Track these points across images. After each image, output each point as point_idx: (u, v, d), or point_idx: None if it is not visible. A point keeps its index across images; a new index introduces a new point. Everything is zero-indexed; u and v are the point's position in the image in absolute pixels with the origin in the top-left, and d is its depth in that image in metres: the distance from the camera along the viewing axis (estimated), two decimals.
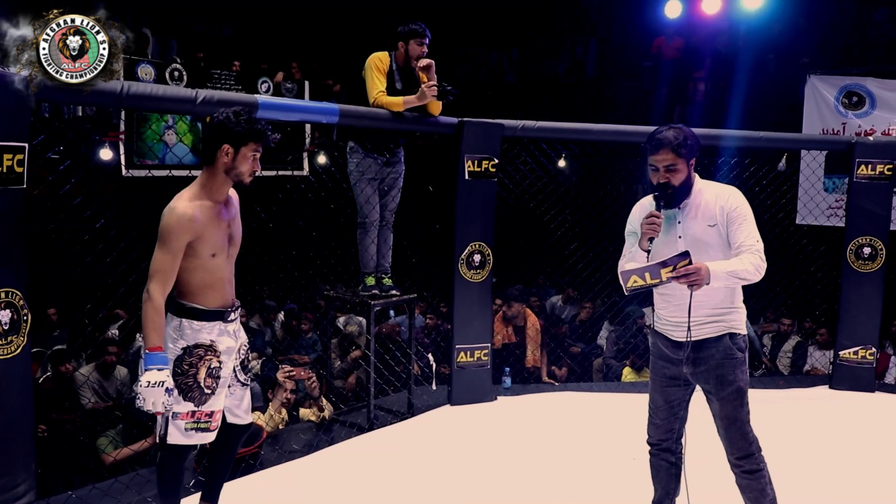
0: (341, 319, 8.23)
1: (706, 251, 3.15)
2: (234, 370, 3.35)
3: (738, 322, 3.24)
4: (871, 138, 7.08)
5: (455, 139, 5.52)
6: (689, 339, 3.18)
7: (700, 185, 3.26)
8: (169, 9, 11.84)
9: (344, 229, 5.39)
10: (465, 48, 14.54)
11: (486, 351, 5.73)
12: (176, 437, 3.21)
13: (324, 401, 5.43)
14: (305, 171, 9.86)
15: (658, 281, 3.07)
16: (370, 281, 5.33)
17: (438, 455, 4.73)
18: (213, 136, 3.16)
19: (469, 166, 5.50)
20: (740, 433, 3.21)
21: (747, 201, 3.21)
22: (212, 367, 3.21)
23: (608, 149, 8.27)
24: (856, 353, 6.27)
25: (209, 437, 3.29)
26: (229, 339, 3.27)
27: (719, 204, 3.18)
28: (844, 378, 6.36)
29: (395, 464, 4.53)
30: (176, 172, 7.25)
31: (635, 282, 3.11)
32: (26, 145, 3.52)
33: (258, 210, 5.31)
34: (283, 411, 5.39)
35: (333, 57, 12.44)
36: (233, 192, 3.33)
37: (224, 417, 3.37)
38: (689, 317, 3.13)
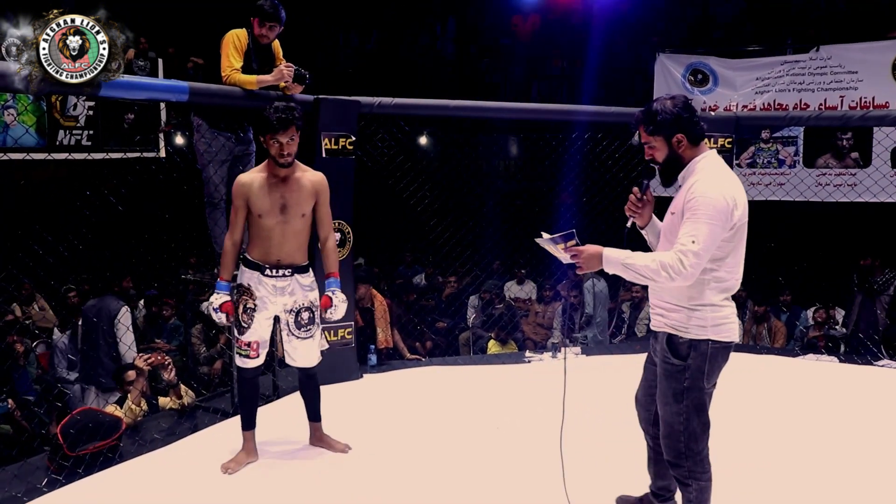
0: (205, 304, 8.01)
1: (667, 241, 2.97)
2: (288, 325, 4.06)
3: (684, 324, 2.95)
4: (713, 114, 7.47)
5: (311, 117, 5.45)
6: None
7: (700, 167, 2.95)
8: None
9: (199, 210, 5.24)
10: (325, 29, 14.33)
11: (350, 329, 5.73)
12: (236, 361, 4.20)
13: (183, 387, 5.28)
14: (162, 153, 9.50)
15: (565, 256, 3.01)
16: None
17: (305, 435, 4.69)
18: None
19: (326, 144, 5.45)
20: (670, 438, 3.04)
21: (715, 196, 2.81)
22: (247, 306, 3.98)
23: (468, 125, 8.37)
24: None
25: (250, 364, 4.09)
26: (265, 290, 3.98)
27: (685, 193, 2.90)
28: None
29: (262, 447, 4.46)
30: (14, 155, 6.81)
31: (556, 254, 3.05)
32: None
33: (106, 194, 5.09)
34: (143, 401, 5.22)
35: (190, 33, 11.99)
36: (314, 174, 4.07)
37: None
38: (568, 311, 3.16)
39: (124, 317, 6.24)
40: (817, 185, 8.89)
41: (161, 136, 9.56)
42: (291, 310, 4.05)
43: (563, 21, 12.70)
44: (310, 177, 4.03)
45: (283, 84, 5.11)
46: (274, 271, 3.97)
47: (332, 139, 5.47)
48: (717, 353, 2.98)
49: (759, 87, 9.75)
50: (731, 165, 6.79)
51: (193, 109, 5.12)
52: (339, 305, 4.11)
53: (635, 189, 3.11)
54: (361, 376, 5.89)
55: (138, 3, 11.22)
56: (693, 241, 2.76)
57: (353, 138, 5.58)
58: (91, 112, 8.82)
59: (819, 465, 4.25)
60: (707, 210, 2.78)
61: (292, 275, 4.02)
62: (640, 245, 3.16)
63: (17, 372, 6.71)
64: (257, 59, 5.12)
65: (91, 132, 8.84)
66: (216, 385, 6.37)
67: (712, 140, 6.56)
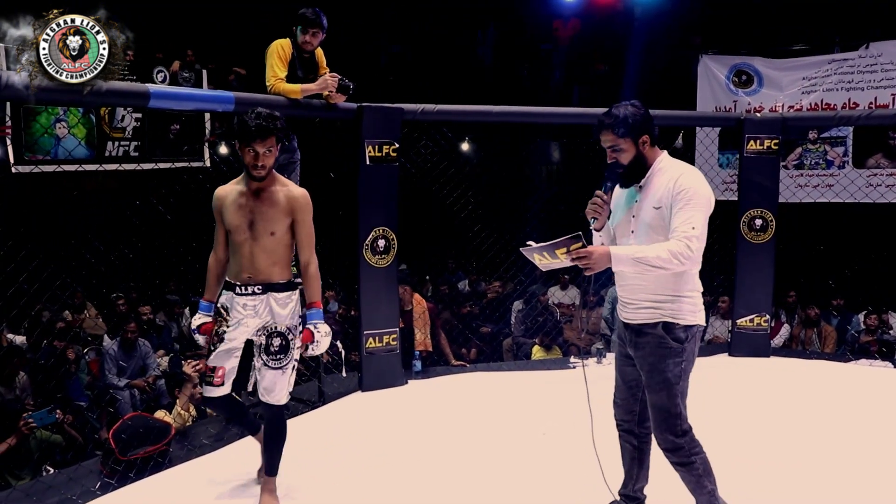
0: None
1: (652, 234, 3.08)
2: (259, 350, 3.65)
3: (679, 312, 3.10)
4: (758, 115, 7.35)
5: (355, 125, 5.50)
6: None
7: (664, 164, 3.14)
8: None
9: None
10: (365, 33, 14.39)
11: (395, 336, 5.75)
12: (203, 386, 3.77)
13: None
14: (207, 163, 9.62)
15: (558, 261, 3.02)
16: None
17: (351, 441, 4.72)
18: None
19: (370, 151, 5.49)
20: (666, 424, 3.12)
21: (702, 188, 3.04)
22: (219, 329, 3.66)
23: (510, 131, 8.36)
24: (751, 320, 6.53)
25: (214, 392, 3.68)
26: (239, 312, 3.63)
27: (669, 185, 3.04)
28: (742, 345, 6.62)
29: (307, 452, 4.50)
30: (67, 167, 7.00)
31: (541, 260, 3.07)
32: None
33: (154, 203, 5.18)
34: (191, 407, 5.29)
35: (233, 44, 12.16)
36: (291, 190, 3.63)
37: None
38: (583, 297, 3.17)
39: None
40: (868, 186, 8.71)
41: (206, 145, 9.69)
42: (262, 334, 3.65)
43: (604, 24, 12.61)
44: (287, 193, 3.62)
45: (326, 93, 5.15)
46: (244, 289, 3.61)
47: (376, 146, 5.50)
48: (700, 335, 3.21)
49: (805, 86, 9.58)
50: (777, 167, 6.70)
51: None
52: (322, 340, 3.68)
53: (599, 192, 3.18)
54: (406, 382, 5.91)
55: (179, 15, 11.43)
56: (693, 228, 2.96)
57: (397, 145, 5.61)
58: (138, 123, 8.97)
59: (868, 471, 4.16)
60: (699, 199, 3.00)
61: (264, 293, 3.61)
62: None
63: (70, 379, 6.86)
64: (302, 67, 5.18)
65: (138, 143, 9.00)
66: None
67: (758, 142, 6.47)
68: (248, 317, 3.63)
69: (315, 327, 3.65)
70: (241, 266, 3.61)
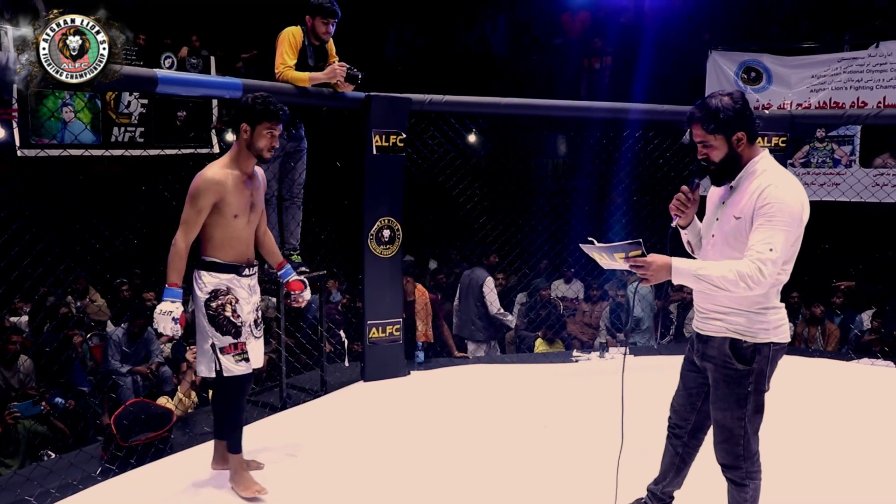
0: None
1: (725, 246, 2.87)
2: (249, 326, 3.79)
3: (746, 327, 2.86)
4: (766, 112, 7.33)
5: (362, 114, 5.48)
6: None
7: (759, 167, 2.84)
8: None
9: None
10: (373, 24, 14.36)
11: (398, 326, 5.74)
12: (230, 369, 3.69)
13: None
14: (215, 149, 9.62)
15: (617, 264, 2.88)
16: None
17: (353, 431, 4.72)
18: (235, 116, 3.66)
19: (377, 141, 5.47)
20: (728, 443, 2.96)
21: (791, 203, 2.73)
22: (234, 306, 3.68)
23: (517, 123, 8.33)
24: None
25: (251, 367, 3.77)
26: (243, 291, 3.73)
27: (754, 195, 2.76)
28: None
29: (309, 441, 4.50)
30: (73, 151, 6.99)
31: (601, 259, 2.93)
32: None
33: (161, 189, 5.17)
34: (193, 394, 5.30)
35: (241, 31, 12.15)
36: (259, 170, 3.82)
37: None
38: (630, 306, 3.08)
39: (488, 283, 7.35)
40: (874, 186, 8.68)
41: (214, 132, 9.69)
42: (253, 311, 3.84)
43: (613, 18, 12.57)
44: (259, 170, 3.86)
45: (334, 82, 5.14)
46: (248, 270, 3.76)
47: (383, 136, 5.49)
48: (776, 354, 2.92)
49: (814, 84, 9.54)
50: (785, 165, 6.67)
51: None
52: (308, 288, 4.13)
53: (685, 188, 2.98)
54: (408, 373, 5.90)
55: (188, 2, 11.39)
56: (771, 249, 2.70)
57: (404, 135, 5.59)
58: (144, 110, 8.97)
59: (868, 471, 4.15)
60: (784, 217, 2.72)
61: (256, 270, 3.86)
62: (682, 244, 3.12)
63: (72, 364, 6.86)
64: (314, 55, 5.18)
65: (143, 129, 9.00)
66: (264, 380, 6.41)
67: (766, 139, 6.44)
68: (251, 295, 3.81)
69: (302, 277, 4.14)
70: (242, 249, 3.74)
